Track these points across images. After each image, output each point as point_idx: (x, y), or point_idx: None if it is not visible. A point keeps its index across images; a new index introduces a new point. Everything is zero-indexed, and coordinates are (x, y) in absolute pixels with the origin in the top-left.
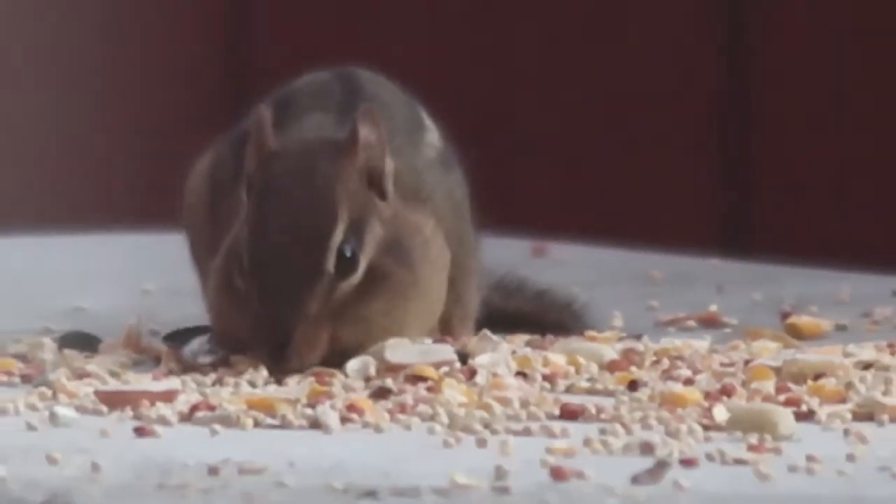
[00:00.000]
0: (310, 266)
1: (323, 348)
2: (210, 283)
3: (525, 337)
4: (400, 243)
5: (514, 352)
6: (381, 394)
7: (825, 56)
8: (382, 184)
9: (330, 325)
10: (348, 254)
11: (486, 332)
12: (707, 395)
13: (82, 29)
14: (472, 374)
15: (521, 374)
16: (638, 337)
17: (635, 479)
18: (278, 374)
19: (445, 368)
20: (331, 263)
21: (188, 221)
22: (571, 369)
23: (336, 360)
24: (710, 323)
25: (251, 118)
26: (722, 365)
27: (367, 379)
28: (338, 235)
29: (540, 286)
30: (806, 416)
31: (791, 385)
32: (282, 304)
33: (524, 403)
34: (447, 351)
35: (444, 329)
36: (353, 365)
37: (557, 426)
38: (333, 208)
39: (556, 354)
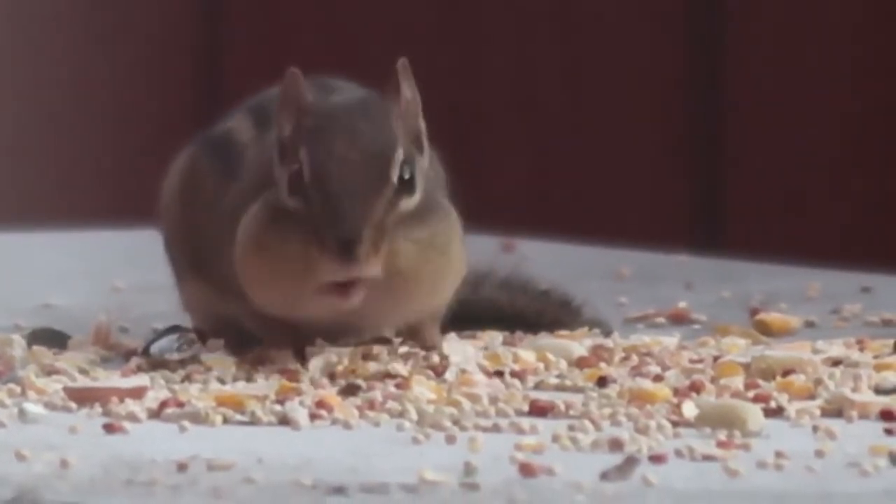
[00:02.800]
0: (376, 175)
1: (383, 259)
2: (241, 237)
3: (496, 333)
4: (437, 194)
5: (484, 348)
6: (349, 390)
7: (796, 54)
8: (420, 138)
9: (390, 240)
10: (407, 175)
11: (454, 335)
12: (676, 392)
13: (55, 24)
14: (441, 370)
15: (491, 370)
16: (607, 333)
17: (604, 476)
18: (346, 270)
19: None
20: (395, 175)
21: (164, 219)
22: (541, 366)
23: (391, 282)
24: (679, 319)
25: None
26: (691, 361)
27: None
28: (399, 154)
29: (545, 285)
30: (775, 413)
31: (760, 381)
32: (350, 205)
33: (493, 400)
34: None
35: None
36: (316, 362)
37: (526, 422)
38: (393, 133)
39: (526, 351)
